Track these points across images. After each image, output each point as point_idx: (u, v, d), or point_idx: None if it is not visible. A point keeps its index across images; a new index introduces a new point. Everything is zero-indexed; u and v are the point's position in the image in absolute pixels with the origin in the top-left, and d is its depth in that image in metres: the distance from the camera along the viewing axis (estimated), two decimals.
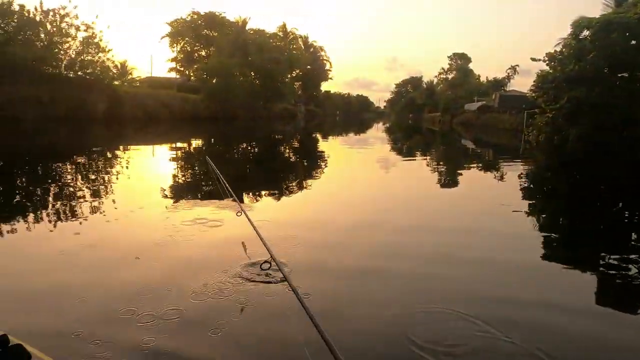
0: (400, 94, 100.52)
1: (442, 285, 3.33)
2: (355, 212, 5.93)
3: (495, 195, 8.08)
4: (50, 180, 7.43)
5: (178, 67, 52.89)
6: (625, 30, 18.23)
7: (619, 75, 19.51)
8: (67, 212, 5.17)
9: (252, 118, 38.79)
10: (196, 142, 17.19)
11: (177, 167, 10.17)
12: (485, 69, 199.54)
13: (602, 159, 15.32)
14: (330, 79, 70.16)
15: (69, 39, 26.70)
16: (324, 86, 71.00)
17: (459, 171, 11.73)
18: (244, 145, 17.32)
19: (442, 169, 12.22)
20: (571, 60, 19.99)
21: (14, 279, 3.15)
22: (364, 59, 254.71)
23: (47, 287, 2.99)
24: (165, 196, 6.52)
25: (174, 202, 6.03)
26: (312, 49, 64.74)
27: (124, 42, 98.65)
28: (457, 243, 4.53)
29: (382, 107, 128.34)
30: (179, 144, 16.02)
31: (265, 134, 24.40)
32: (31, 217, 4.91)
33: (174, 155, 12.71)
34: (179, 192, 7.02)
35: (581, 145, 18.29)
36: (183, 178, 8.74)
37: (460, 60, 66.31)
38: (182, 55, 52.09)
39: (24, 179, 7.72)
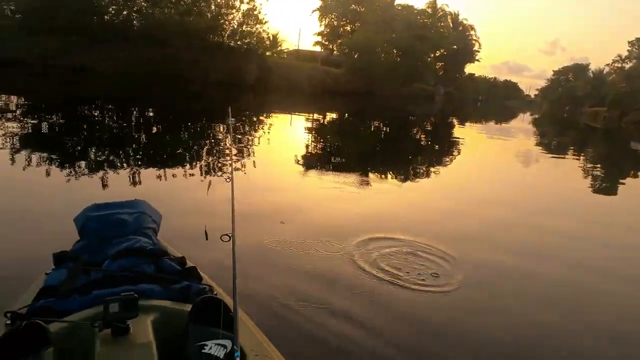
0: (557, 82, 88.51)
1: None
2: (482, 204, 5.55)
3: None
4: (203, 138, 8.54)
5: (323, 42, 54.76)
6: None
7: None
8: (216, 167, 5.91)
9: (388, 96, 38.52)
10: (330, 115, 17.84)
11: (310, 137, 10.73)
12: None
13: None
14: (478, 60, 65.24)
15: (234, 10, 29.55)
16: (468, 68, 66.40)
17: (621, 179, 10.02)
18: (377, 122, 17.38)
19: (598, 173, 10.58)
20: None
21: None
22: (518, 40, 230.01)
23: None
24: (297, 162, 6.99)
25: (304, 172, 6.44)
26: (460, 28, 60.72)
27: (277, 14, 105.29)
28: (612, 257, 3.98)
29: (533, 96, 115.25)
30: (315, 116, 16.83)
31: (398, 114, 24.09)
32: (185, 169, 5.74)
33: (309, 126, 13.42)
34: (310, 160, 7.45)
35: None
36: (313, 149, 9.21)
37: None
38: (328, 30, 53.68)
39: (186, 135, 8.99)
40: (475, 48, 62.84)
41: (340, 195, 5.22)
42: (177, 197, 2.20)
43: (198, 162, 6.09)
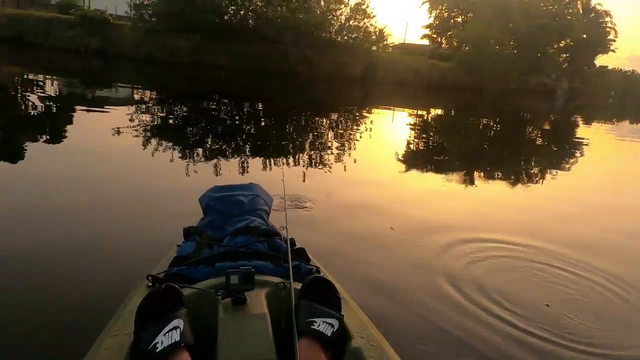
0: None
1: None
2: (608, 213, 4.95)
3: None
4: (308, 130, 8.87)
5: (431, 34, 52.78)
6: None
7: None
8: (316, 161, 6.13)
9: (501, 91, 35.85)
10: (435, 111, 17.21)
11: (412, 133, 10.50)
12: None
13: None
14: (612, 51, 57.12)
15: (342, 5, 29.96)
16: (600, 60, 58.45)
17: None
18: (486, 120, 16.33)
19: None
20: None
21: None
22: None
23: None
24: (399, 160, 6.92)
25: (406, 169, 6.36)
26: (592, 14, 53.67)
27: (383, 7, 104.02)
28: None
29: None
30: (419, 111, 16.40)
31: (512, 110, 22.30)
32: (288, 159, 6.05)
33: (412, 122, 13.13)
34: (410, 158, 7.31)
35: None
36: (414, 145, 8.99)
37: None
38: (437, 22, 51.58)
39: (292, 126, 9.44)
40: (610, 37, 55.13)
41: (442, 193, 5.08)
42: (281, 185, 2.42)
43: (300, 153, 6.38)
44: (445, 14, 50.91)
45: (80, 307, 2.09)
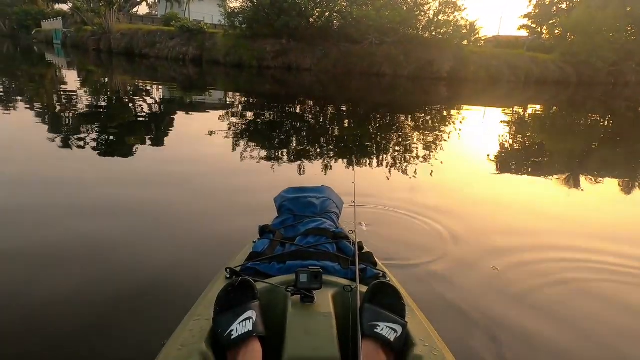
0: None
1: None
2: None
3: None
4: (391, 131, 8.52)
5: (530, 24, 48.55)
6: None
7: None
8: (393, 164, 5.80)
9: (615, 84, 31.78)
10: (534, 109, 15.65)
11: (505, 133, 9.58)
12: None
13: None
14: None
15: (430, 0, 28.78)
16: None
17: None
18: (595, 116, 14.46)
19: None
20: None
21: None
22: None
23: None
24: (489, 161, 6.31)
25: (497, 171, 5.76)
26: None
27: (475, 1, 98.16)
28: None
29: None
30: (515, 109, 15.05)
31: (628, 104, 19.56)
32: (378, 160, 5.80)
33: (506, 120, 12.05)
34: (502, 160, 6.63)
35: None
36: (509, 146, 8.18)
37: None
38: (537, 10, 47.28)
39: (376, 126, 9.16)
40: None
41: (536, 197, 4.47)
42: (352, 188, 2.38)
43: (376, 155, 6.10)
44: (548, 1, 46.49)
45: (169, 291, 2.30)
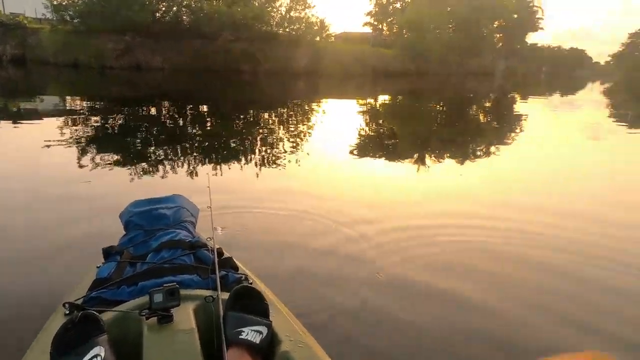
0: (634, 46, 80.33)
1: None
2: (542, 192, 4.85)
3: None
4: (251, 128, 8.42)
5: (373, 22, 53.29)
6: None
7: None
8: (269, 158, 5.72)
9: (444, 74, 36.84)
10: (383, 98, 17.21)
11: (362, 121, 10.30)
12: None
13: None
14: (541, 29, 60.37)
15: None
16: (531, 38, 61.66)
17: None
18: (432, 103, 16.53)
19: None
20: None
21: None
22: (584, 3, 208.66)
23: None
24: (349, 147, 6.66)
25: (358, 156, 6.10)
26: None
27: None
28: None
29: (603, 63, 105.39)
30: (367, 100, 16.31)
31: (455, 92, 22.84)
32: (242, 160, 5.61)
33: (361, 110, 12.97)
34: (360, 147, 7.08)
35: None
36: (365, 133, 8.79)
37: None
38: (377, 9, 52.12)
39: (236, 125, 8.94)
40: (538, 15, 58.18)
41: (391, 178, 4.85)
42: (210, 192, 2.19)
43: (240, 154, 5.95)
44: (384, 0, 51.51)
45: None
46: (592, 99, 24.34)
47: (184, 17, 25.55)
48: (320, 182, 4.79)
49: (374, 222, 3.45)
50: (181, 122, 8.77)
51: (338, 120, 10.54)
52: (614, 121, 13.51)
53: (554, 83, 40.66)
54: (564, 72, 75.97)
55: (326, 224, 3.35)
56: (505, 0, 50.54)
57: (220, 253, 1.65)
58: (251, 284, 1.46)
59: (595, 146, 8.76)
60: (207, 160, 5.48)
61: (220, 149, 6.34)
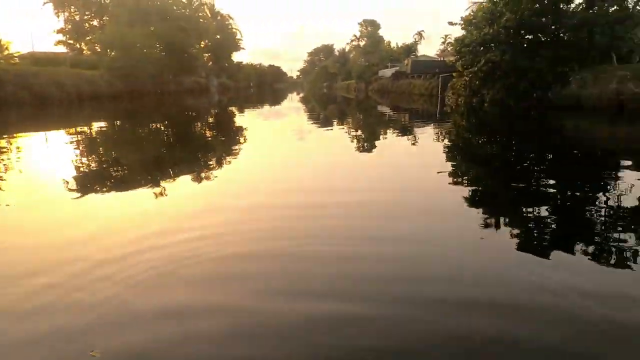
0: (312, 62, 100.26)
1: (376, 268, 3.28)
2: (269, 189, 5.70)
3: (418, 159, 8.37)
4: None
5: (67, 40, 47.12)
6: None
7: (526, 37, 21.24)
8: None
9: (161, 93, 36.19)
10: (98, 125, 15.52)
11: (78, 154, 9.03)
12: (393, 35, 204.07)
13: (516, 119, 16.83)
14: (243, 49, 67.58)
15: None
16: (236, 57, 68.16)
17: (379, 137, 12.05)
18: (155, 124, 16.04)
19: (363, 136, 12.42)
20: (485, 23, 21.30)
21: None
22: (272, 27, 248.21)
23: None
24: (68, 185, 5.74)
25: (82, 194, 5.32)
26: (219, 17, 61.36)
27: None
28: (383, 215, 4.55)
29: (295, 77, 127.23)
30: (79, 128, 14.36)
31: (177, 111, 22.90)
32: None
33: (75, 140, 11.34)
34: (86, 182, 6.22)
35: (496, 107, 19.93)
36: (86, 166, 7.77)
37: (371, 27, 67.35)
38: (69, 26, 46.39)
39: None
40: (238, 37, 64.73)
41: (127, 209, 4.50)
42: None
43: None
44: (77, 17, 46.28)
45: None
46: (293, 107, 29.16)
47: None
48: (36, 237, 3.94)
49: (85, 260, 3.12)
50: None
51: (44, 156, 8.90)
52: (311, 123, 16.65)
53: (263, 96, 46.41)
54: (268, 85, 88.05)
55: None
56: (208, 23, 54.04)
57: None
58: None
59: (302, 144, 10.63)
60: None
61: None
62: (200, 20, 52.25)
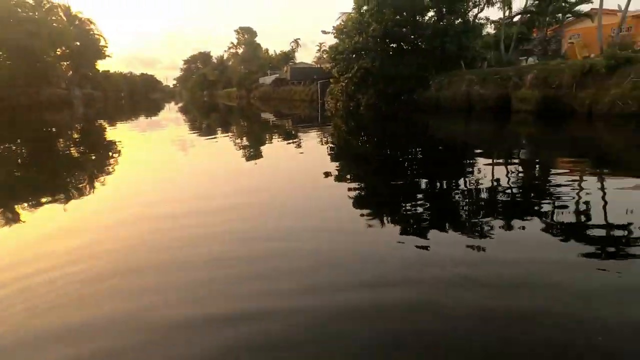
0: (190, 70, 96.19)
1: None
2: (150, 201, 5.47)
3: (303, 162, 8.59)
4: None
5: None
6: (394, 7, 21.67)
7: (391, 45, 23.22)
8: None
9: (10, 108, 31.34)
10: None
11: None
12: (271, 43, 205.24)
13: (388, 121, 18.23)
14: (108, 56, 61.62)
15: None
16: (101, 65, 62.10)
17: (265, 143, 12.09)
18: (6, 144, 13.79)
19: (248, 144, 12.33)
20: (355, 32, 22.71)
21: None
22: (143, 34, 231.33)
23: None
24: None
25: None
26: (77, 22, 55.21)
27: None
28: (271, 214, 4.60)
29: (172, 86, 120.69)
30: None
31: (33, 128, 20.00)
32: None
33: None
34: None
35: (370, 111, 21.39)
36: None
37: (247, 35, 67.32)
38: None
39: None
40: (102, 43, 59.08)
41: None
42: None
43: None
44: None
45: None
46: (172, 117, 27.59)
47: None
48: None
49: None
50: None
51: None
52: (192, 133, 15.95)
53: (136, 107, 43.05)
54: (142, 95, 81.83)
55: None
56: (64, 28, 48.20)
57: None
58: None
59: (182, 154, 10.17)
60: None
61: None
62: (54, 25, 46.45)
